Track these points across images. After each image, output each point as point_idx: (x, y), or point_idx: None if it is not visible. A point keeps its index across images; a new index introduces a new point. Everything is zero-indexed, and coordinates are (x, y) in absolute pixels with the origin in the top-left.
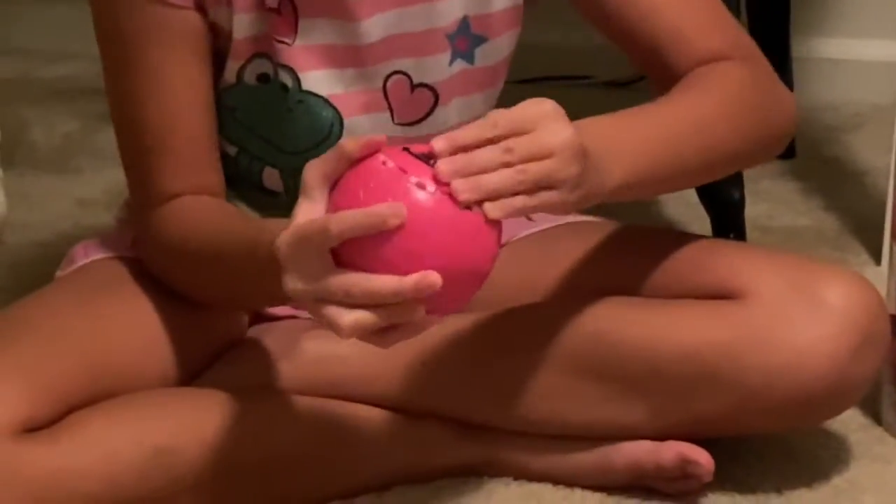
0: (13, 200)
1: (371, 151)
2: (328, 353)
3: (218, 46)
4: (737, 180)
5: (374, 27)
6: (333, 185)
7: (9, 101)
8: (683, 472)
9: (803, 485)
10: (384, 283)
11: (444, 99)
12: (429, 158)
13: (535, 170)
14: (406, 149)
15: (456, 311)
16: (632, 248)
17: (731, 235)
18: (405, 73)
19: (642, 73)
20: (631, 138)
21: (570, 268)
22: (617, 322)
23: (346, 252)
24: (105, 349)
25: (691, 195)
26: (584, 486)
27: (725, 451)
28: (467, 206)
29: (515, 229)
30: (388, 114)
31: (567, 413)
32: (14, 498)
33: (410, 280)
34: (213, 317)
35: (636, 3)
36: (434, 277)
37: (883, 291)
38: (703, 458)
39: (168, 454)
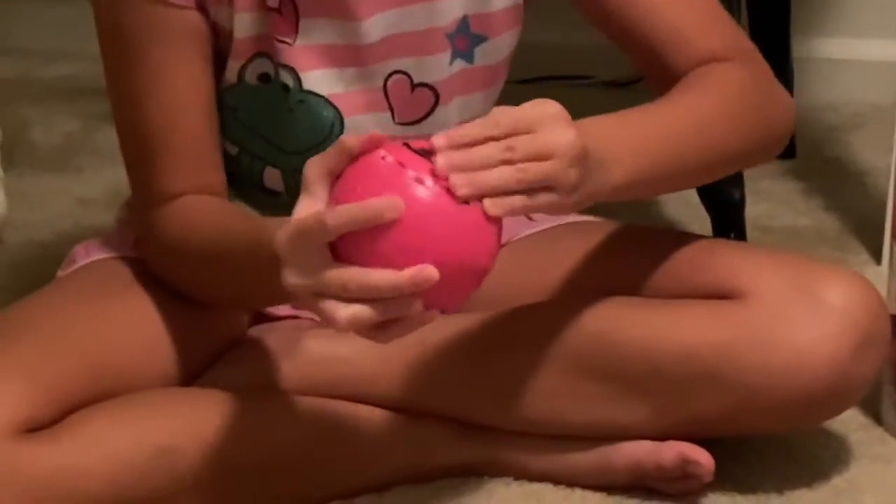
0: (13, 200)
1: (371, 147)
2: (329, 353)
3: (219, 46)
4: (737, 180)
5: (375, 27)
6: (335, 181)
7: (9, 101)
8: (684, 472)
9: (804, 485)
10: (381, 277)
11: (445, 98)
12: (429, 154)
13: (535, 170)
14: (406, 144)
15: (455, 306)
16: (632, 248)
17: (732, 235)
18: (405, 73)
19: (641, 74)
20: (631, 138)
21: (571, 268)
22: (617, 322)
23: (345, 247)
24: (106, 349)
25: (692, 195)
26: (585, 486)
27: (726, 451)
28: (465, 202)
29: (516, 229)
30: (388, 113)
31: (567, 413)
32: (15, 497)
33: (406, 274)
34: (214, 317)
35: (637, 4)
36: (430, 271)
37: (883, 291)
38: (703, 458)
39: (169, 454)
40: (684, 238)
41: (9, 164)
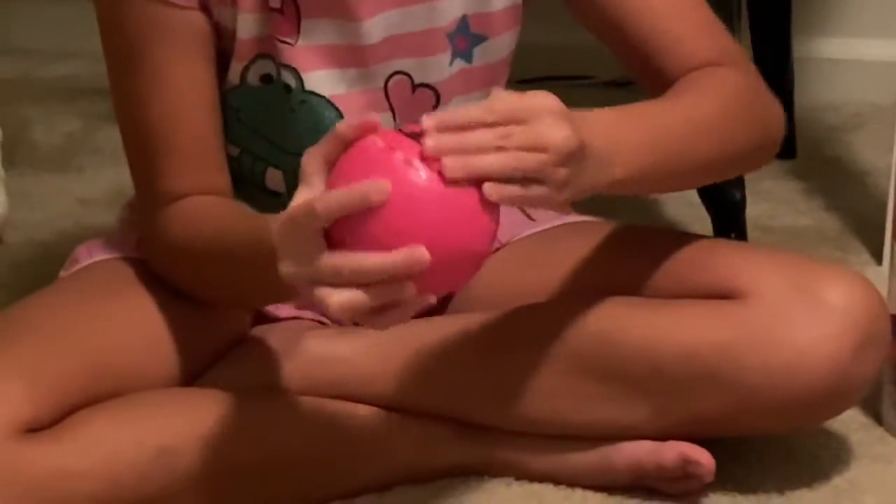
0: (14, 200)
1: (365, 133)
2: (329, 353)
3: (222, 47)
4: (738, 180)
5: (376, 27)
6: (332, 170)
7: (9, 101)
8: (684, 472)
9: (804, 485)
10: (372, 260)
11: (446, 98)
12: (421, 137)
13: (529, 159)
14: (400, 129)
15: (450, 290)
16: (633, 248)
17: (733, 235)
18: (406, 74)
19: (633, 77)
20: (633, 133)
21: (571, 268)
22: (618, 322)
23: (338, 233)
24: (107, 349)
25: (692, 195)
26: (585, 487)
27: (726, 451)
28: (455, 184)
29: (516, 229)
30: (389, 114)
31: (568, 413)
32: (16, 498)
33: (397, 255)
34: (216, 317)
35: (631, 9)
36: (421, 252)
37: (884, 291)
38: (704, 458)
39: (170, 454)
40: (685, 238)
41: (10, 164)
